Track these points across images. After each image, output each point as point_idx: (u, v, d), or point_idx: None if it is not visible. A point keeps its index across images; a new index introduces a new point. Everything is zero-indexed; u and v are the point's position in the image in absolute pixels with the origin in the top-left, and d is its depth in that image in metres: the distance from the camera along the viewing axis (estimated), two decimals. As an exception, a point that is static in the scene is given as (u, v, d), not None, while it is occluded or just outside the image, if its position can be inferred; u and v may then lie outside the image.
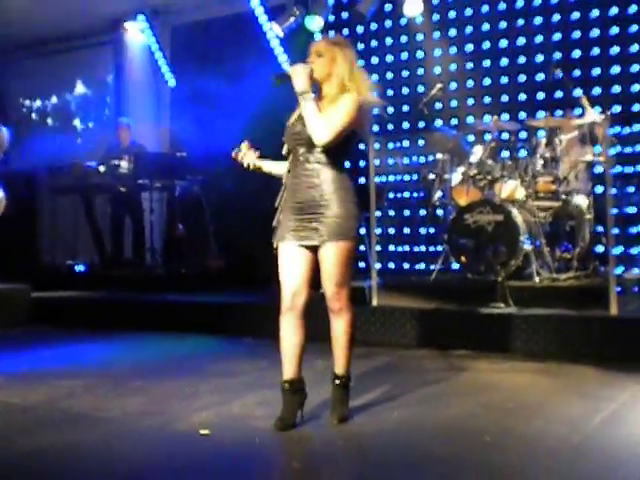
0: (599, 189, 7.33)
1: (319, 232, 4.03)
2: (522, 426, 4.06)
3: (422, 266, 9.25)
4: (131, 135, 10.33)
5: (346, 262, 4.07)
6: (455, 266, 7.56)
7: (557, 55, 8.68)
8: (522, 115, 8.70)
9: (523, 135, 8.43)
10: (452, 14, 9.59)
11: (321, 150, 4.04)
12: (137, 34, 11.82)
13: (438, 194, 7.78)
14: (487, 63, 9.30)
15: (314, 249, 4.09)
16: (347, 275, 4.11)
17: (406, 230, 9.67)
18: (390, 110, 9.53)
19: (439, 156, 7.86)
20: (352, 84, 4.09)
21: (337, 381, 4.23)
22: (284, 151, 4.23)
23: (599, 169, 7.35)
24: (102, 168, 10.01)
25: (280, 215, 4.17)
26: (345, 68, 4.11)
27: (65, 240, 11.27)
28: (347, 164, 4.34)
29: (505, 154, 7.87)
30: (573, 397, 4.66)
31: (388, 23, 10.07)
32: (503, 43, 9.20)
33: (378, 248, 7.46)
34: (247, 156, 4.30)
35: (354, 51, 4.24)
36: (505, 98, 9.13)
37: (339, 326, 4.19)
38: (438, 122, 9.25)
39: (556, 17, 8.87)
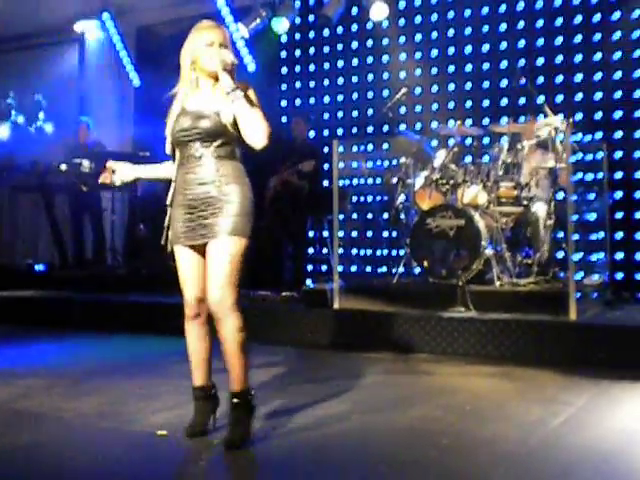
0: (560, 195, 7.38)
1: (213, 229, 3.76)
2: (480, 429, 4.07)
3: (384, 269, 9.28)
4: (90, 134, 10.25)
5: (236, 261, 3.73)
6: (417, 270, 7.58)
7: (521, 62, 8.77)
8: (486, 121, 8.75)
9: (486, 141, 8.48)
10: (418, 19, 9.63)
11: (219, 144, 3.80)
12: (101, 33, 11.74)
13: (401, 198, 7.78)
14: (452, 69, 9.35)
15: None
16: (236, 276, 3.74)
17: (369, 233, 9.69)
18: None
19: (403, 160, 7.86)
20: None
21: (234, 399, 3.80)
22: (168, 149, 3.95)
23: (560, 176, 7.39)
24: (64, 167, 9.91)
25: (171, 213, 3.92)
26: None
27: (25, 239, 11.15)
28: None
29: (468, 159, 7.90)
30: (531, 401, 4.69)
31: (354, 27, 10.10)
32: (468, 49, 9.25)
33: (340, 251, 7.47)
34: (117, 174, 4.07)
35: None
36: (469, 104, 9.18)
37: (225, 333, 3.74)
38: (402, 126, 9.28)
39: (521, 24, 8.94)
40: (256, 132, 3.74)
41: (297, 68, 10.50)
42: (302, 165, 8.70)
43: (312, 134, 10.08)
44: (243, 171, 3.89)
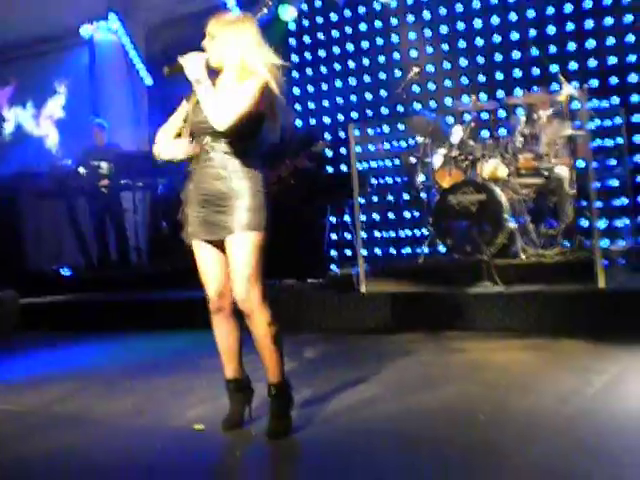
0: (580, 163, 7.33)
1: (226, 225, 3.76)
2: (516, 403, 4.07)
3: (408, 250, 9.25)
4: (106, 136, 10.28)
5: (256, 256, 3.74)
6: (441, 248, 7.57)
7: (532, 32, 8.70)
8: (500, 94, 8.70)
9: (502, 114, 8.42)
10: (425, -4, 9.57)
11: (227, 139, 3.78)
12: (110, 34, 11.76)
13: (421, 178, 7.77)
14: (462, 44, 9.29)
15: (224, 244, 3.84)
16: (258, 270, 3.75)
17: (390, 215, 9.66)
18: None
19: (420, 139, 7.85)
20: (254, 63, 3.79)
21: (272, 391, 3.84)
22: (189, 139, 3.94)
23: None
24: (82, 170, 9.96)
25: (186, 208, 3.91)
26: (242, 50, 3.81)
27: (49, 245, 11.22)
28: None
29: (485, 133, 7.86)
30: (565, 372, 4.67)
31: (362, 9, 10.04)
32: (477, 23, 9.18)
33: (363, 235, 7.46)
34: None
35: (255, 27, 3.90)
36: (482, 78, 9.12)
37: (255, 329, 3.79)
38: (417, 106, 9.24)
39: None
40: (210, 119, 3.70)
41: (307, 55, 10.46)
42: (315, 146, 8.58)
43: (327, 120, 10.07)
44: (253, 165, 3.85)
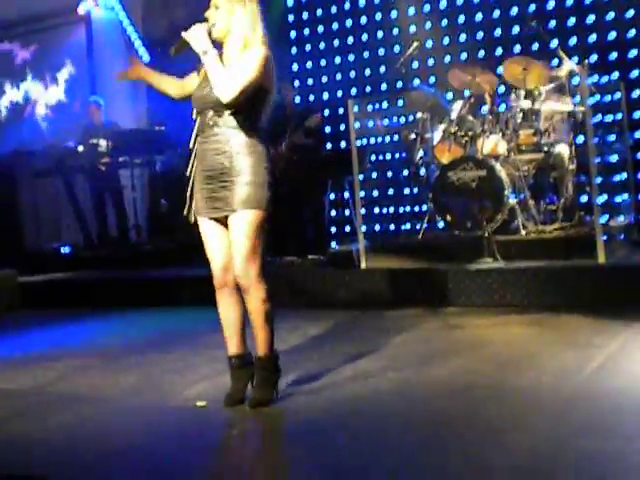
0: (580, 139, 7.31)
1: (228, 201, 3.80)
2: (516, 379, 4.08)
3: (408, 226, 9.23)
4: (102, 114, 10.25)
5: (256, 234, 3.79)
6: (441, 224, 7.57)
7: (531, 7, 8.65)
8: (500, 69, 8.65)
9: (502, 89, 8.38)
10: (424, -29, 9.50)
11: (230, 113, 3.80)
12: (107, 11, 11.68)
13: (420, 153, 7.75)
14: (462, 19, 9.23)
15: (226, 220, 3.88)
16: (257, 248, 3.81)
17: (390, 191, 9.64)
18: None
19: (419, 115, 7.82)
20: (255, 38, 3.83)
21: (259, 363, 3.94)
22: (194, 115, 3.98)
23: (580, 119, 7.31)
24: (81, 148, 9.94)
25: (192, 185, 3.97)
26: (246, 21, 3.83)
27: (48, 223, 11.21)
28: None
29: (485, 109, 7.83)
30: (565, 347, 4.68)
31: (360, -16, 9.98)
32: (477, -2, 9.13)
33: (363, 211, 7.45)
34: (134, 70, 4.32)
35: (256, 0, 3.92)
36: (482, 53, 9.06)
37: (250, 304, 3.87)
38: (416, 81, 9.19)
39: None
40: (217, 91, 3.74)
41: (306, 31, 10.38)
42: (308, 121, 8.55)
43: (326, 96, 10.03)
44: (256, 140, 3.86)
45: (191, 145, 3.98)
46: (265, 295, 3.85)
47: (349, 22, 10.00)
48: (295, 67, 10.37)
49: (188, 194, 3.98)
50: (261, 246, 3.84)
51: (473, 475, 2.87)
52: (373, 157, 9.56)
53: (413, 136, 7.78)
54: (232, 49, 3.86)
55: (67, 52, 11.92)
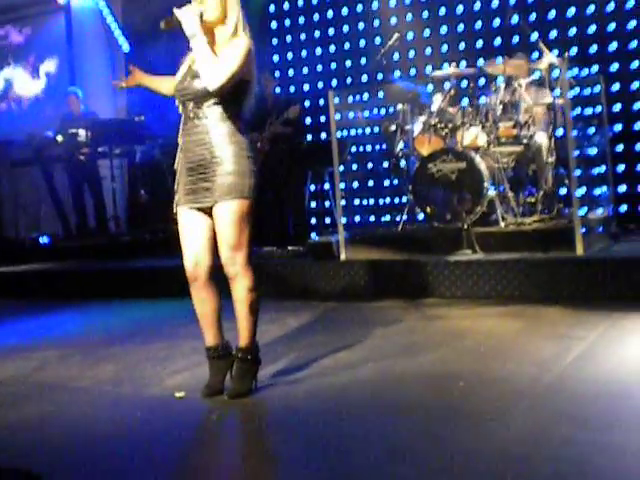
0: (560, 131, 7.33)
1: (211, 191, 3.80)
2: (495, 369, 4.09)
3: (388, 218, 9.25)
4: (81, 104, 10.19)
5: (241, 222, 3.80)
6: (421, 216, 7.57)
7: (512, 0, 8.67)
8: (480, 62, 8.65)
9: (482, 82, 8.40)
10: (406, -38, 9.49)
11: (210, 104, 3.80)
12: (87, 0, 11.62)
13: (400, 145, 7.75)
14: (443, 11, 9.23)
15: (211, 211, 3.86)
16: (243, 237, 3.82)
17: (370, 183, 9.66)
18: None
19: (399, 107, 7.82)
20: (241, 27, 3.85)
21: (240, 354, 3.95)
22: (180, 109, 3.97)
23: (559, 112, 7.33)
24: (60, 138, 9.88)
25: (177, 178, 3.96)
26: (237, 9, 3.85)
27: (27, 213, 11.14)
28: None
29: (465, 101, 7.84)
30: (544, 338, 4.70)
31: (341, -24, 9.96)
32: (458, -10, 9.13)
33: (343, 202, 7.45)
34: (133, 78, 4.26)
35: None
36: (462, 45, 9.08)
37: (236, 293, 3.88)
38: (397, 73, 9.19)
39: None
40: (205, 77, 3.73)
41: (287, 22, 10.36)
42: (287, 112, 8.54)
43: (307, 87, 10.02)
44: (237, 131, 3.86)
45: (178, 138, 3.97)
46: (252, 284, 3.87)
47: (330, 13, 9.99)
48: (276, 58, 10.36)
49: (176, 188, 3.97)
50: (247, 235, 3.84)
51: (456, 460, 2.88)
52: (353, 149, 9.57)
53: (393, 128, 7.77)
54: (223, 36, 3.86)
55: (46, 42, 11.85)
